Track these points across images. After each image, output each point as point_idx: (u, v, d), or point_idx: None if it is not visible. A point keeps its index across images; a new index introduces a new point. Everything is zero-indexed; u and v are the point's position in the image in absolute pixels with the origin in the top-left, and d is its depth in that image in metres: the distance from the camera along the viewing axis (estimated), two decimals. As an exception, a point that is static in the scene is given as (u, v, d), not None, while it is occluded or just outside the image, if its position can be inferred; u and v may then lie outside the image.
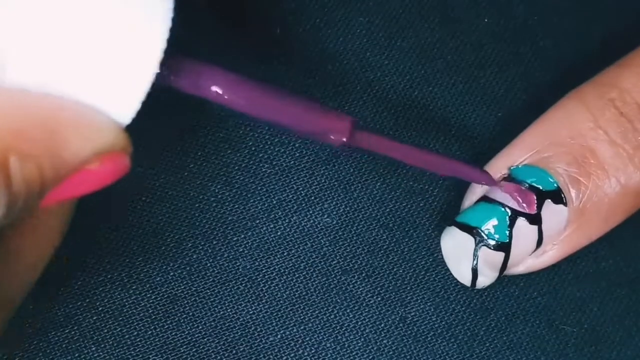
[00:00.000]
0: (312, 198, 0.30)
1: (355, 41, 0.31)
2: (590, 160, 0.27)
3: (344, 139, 0.23)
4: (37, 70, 0.19)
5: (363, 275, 0.29)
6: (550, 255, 0.28)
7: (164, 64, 0.19)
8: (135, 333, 0.29)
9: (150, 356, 0.28)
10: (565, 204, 0.27)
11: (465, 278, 0.28)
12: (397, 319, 0.29)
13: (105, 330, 0.28)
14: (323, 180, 0.30)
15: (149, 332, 0.29)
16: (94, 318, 0.28)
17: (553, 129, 0.27)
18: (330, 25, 0.31)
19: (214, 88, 0.21)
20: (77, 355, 0.28)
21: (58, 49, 0.19)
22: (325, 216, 0.30)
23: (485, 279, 0.28)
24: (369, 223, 0.30)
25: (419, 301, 0.29)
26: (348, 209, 0.30)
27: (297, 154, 0.30)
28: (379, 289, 0.29)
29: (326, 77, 0.30)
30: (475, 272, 0.28)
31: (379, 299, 0.29)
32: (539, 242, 0.27)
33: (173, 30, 0.19)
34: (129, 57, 0.19)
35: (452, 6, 0.31)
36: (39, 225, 0.23)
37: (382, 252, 0.29)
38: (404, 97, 0.30)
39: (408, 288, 0.29)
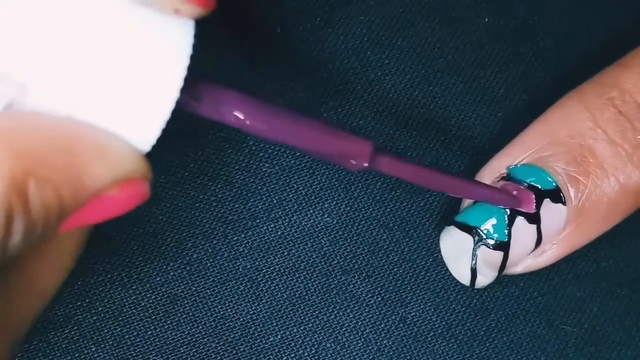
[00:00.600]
0: (313, 197, 0.30)
1: (355, 40, 0.30)
2: (589, 159, 0.27)
3: (365, 164, 0.23)
4: (58, 95, 0.19)
5: (363, 275, 0.29)
6: (549, 254, 0.28)
7: (185, 90, 0.19)
8: (135, 333, 0.28)
9: (151, 356, 0.28)
10: (564, 203, 0.27)
11: (464, 278, 0.28)
12: (397, 319, 0.29)
13: (105, 330, 0.28)
14: (323, 180, 0.30)
15: (149, 332, 0.29)
16: (94, 318, 0.28)
17: (552, 129, 0.27)
18: (331, 24, 0.30)
19: (236, 113, 0.21)
20: (77, 355, 0.28)
21: (80, 75, 0.19)
22: (326, 216, 0.29)
23: (485, 279, 0.28)
24: (369, 223, 0.30)
25: (419, 301, 0.29)
26: (348, 208, 0.30)
27: (298, 154, 0.30)
28: (379, 289, 0.29)
29: (326, 76, 0.30)
30: (474, 272, 0.28)
31: (379, 299, 0.29)
32: (538, 241, 0.27)
33: (194, 56, 0.19)
34: (150, 84, 0.19)
35: (452, 6, 0.31)
36: (55, 249, 0.23)
37: (382, 252, 0.29)
38: (405, 96, 0.30)
39: (408, 288, 0.29)
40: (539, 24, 0.31)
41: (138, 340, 0.29)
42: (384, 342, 0.29)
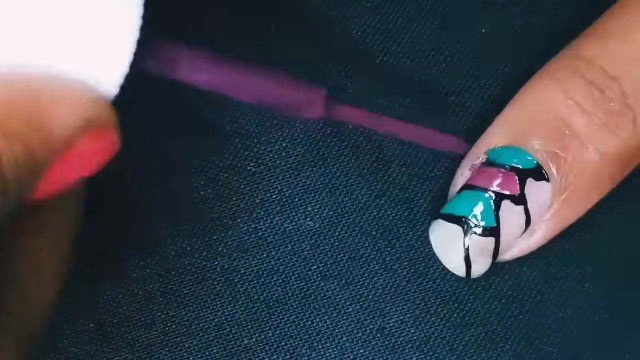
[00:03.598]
0: (296, 200, 0.29)
1: (350, 43, 0.30)
2: (566, 132, 0.27)
3: (320, 114, 0.23)
4: (17, 48, 0.19)
5: (343, 282, 0.29)
6: (540, 234, 0.28)
7: (141, 46, 0.20)
8: (108, 330, 0.28)
9: (122, 353, 0.28)
10: (547, 180, 0.27)
11: (459, 269, 0.28)
12: (375, 328, 0.29)
13: (77, 326, 0.28)
14: (308, 182, 0.29)
15: (122, 329, 0.28)
16: (66, 312, 0.28)
17: (525, 108, 0.27)
18: (326, 26, 0.30)
19: (185, 71, 0.21)
20: (51, 353, 0.28)
21: (36, 26, 0.19)
22: (308, 219, 0.29)
23: (480, 267, 0.28)
24: (352, 229, 0.29)
25: (399, 312, 0.29)
26: (332, 213, 0.29)
27: (284, 154, 0.29)
28: (358, 297, 0.29)
29: (318, 78, 0.30)
30: (468, 262, 0.27)
31: (358, 307, 0.29)
32: (527, 222, 0.27)
33: (151, 13, 0.20)
34: (108, 30, 0.19)
35: (450, 13, 0.30)
36: (48, 223, 0.23)
37: (363, 259, 0.29)
38: (396, 103, 0.30)
39: (388, 298, 0.29)
40: (538, 38, 0.31)
41: (110, 337, 0.28)
42: (361, 351, 0.29)
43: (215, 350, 0.28)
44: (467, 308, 0.29)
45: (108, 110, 0.20)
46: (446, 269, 0.29)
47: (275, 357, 0.29)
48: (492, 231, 0.27)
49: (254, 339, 0.29)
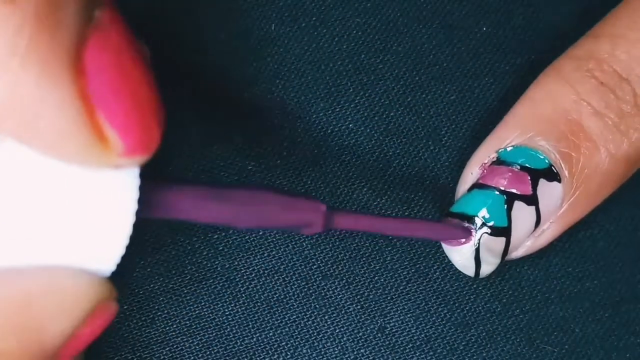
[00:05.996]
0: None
1: (350, 42, 0.30)
2: (578, 133, 0.27)
3: (320, 230, 0.23)
4: (15, 244, 0.18)
5: (343, 281, 0.29)
6: (547, 234, 0.27)
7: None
8: (108, 329, 0.28)
9: (123, 353, 0.28)
10: (559, 181, 0.27)
11: (468, 269, 0.28)
12: (376, 328, 0.29)
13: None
14: (309, 182, 0.29)
15: (123, 329, 0.28)
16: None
17: (536, 108, 0.27)
18: (327, 25, 0.30)
19: (182, 214, 0.21)
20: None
21: (31, 220, 0.18)
22: (309, 219, 0.29)
23: (488, 267, 0.27)
24: (352, 229, 0.29)
25: (399, 312, 0.29)
26: (332, 213, 0.29)
27: (285, 153, 0.29)
28: (359, 296, 0.29)
29: (318, 78, 0.30)
30: (478, 261, 0.27)
31: (359, 306, 0.29)
32: (537, 222, 0.27)
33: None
34: (105, 217, 0.19)
35: (451, 12, 0.30)
36: None
37: (364, 259, 0.29)
38: (397, 102, 0.30)
39: (389, 298, 0.29)
40: (538, 36, 0.31)
41: (111, 336, 0.28)
42: (361, 351, 0.29)
43: (215, 350, 0.28)
44: (468, 308, 0.29)
45: (106, 288, 0.20)
46: (447, 268, 0.29)
47: (275, 356, 0.28)
48: (503, 231, 0.27)
49: (254, 339, 0.28)
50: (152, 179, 0.20)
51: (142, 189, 0.20)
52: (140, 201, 0.20)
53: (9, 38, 0.16)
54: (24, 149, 0.18)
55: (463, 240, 0.27)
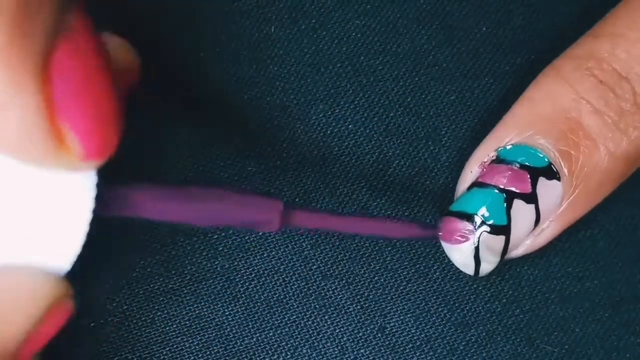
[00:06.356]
0: (297, 200, 0.29)
1: (350, 44, 0.30)
2: (578, 131, 0.27)
3: (277, 228, 0.24)
4: None
5: (343, 282, 0.29)
6: (547, 233, 0.27)
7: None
8: (109, 329, 0.28)
9: (122, 353, 0.28)
10: (558, 179, 0.27)
11: (468, 267, 0.27)
12: (376, 328, 0.29)
13: (77, 324, 0.28)
14: (309, 183, 0.29)
15: (123, 329, 0.28)
16: (66, 310, 0.28)
17: (535, 107, 0.27)
18: (326, 27, 0.30)
19: (137, 211, 0.22)
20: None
21: None
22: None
23: (488, 266, 0.27)
24: (352, 229, 0.29)
25: (399, 312, 0.29)
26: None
27: (284, 154, 0.29)
28: (358, 297, 0.29)
29: (318, 79, 0.30)
30: (477, 260, 0.27)
31: (359, 307, 0.29)
32: (537, 220, 0.27)
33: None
34: (62, 216, 0.19)
35: (450, 13, 0.30)
36: None
37: (364, 259, 0.29)
38: (397, 103, 0.30)
39: (388, 298, 0.29)
40: (538, 36, 0.31)
41: (111, 336, 0.28)
42: (361, 351, 0.29)
43: (215, 350, 0.28)
44: (468, 308, 0.29)
45: (62, 287, 0.20)
46: (447, 268, 0.29)
47: (275, 357, 0.28)
48: (503, 229, 0.27)
49: (254, 339, 0.28)
50: (110, 179, 0.21)
51: (101, 189, 0.20)
52: (99, 201, 0.20)
53: None
54: None
55: (459, 238, 0.27)
